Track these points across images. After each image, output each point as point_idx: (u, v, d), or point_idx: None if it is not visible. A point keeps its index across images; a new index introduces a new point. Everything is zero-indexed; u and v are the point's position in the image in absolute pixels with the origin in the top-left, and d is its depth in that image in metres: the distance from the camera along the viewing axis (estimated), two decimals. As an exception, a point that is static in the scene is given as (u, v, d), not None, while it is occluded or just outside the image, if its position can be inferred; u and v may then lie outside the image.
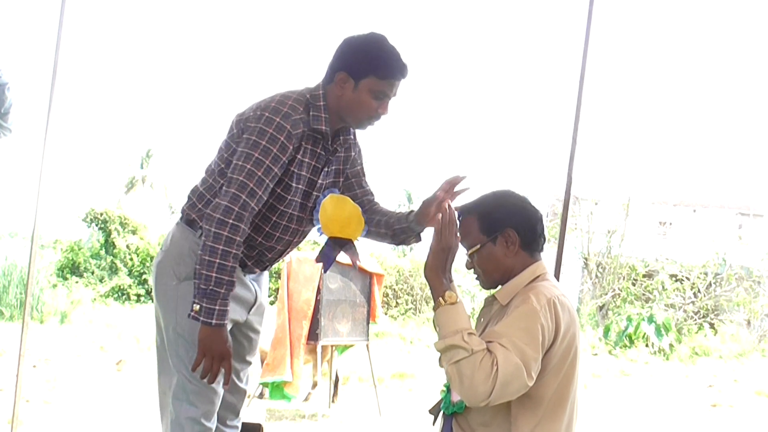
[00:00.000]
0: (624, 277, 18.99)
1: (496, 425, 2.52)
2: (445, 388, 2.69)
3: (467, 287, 15.33)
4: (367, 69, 2.97)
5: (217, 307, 2.88)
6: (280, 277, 7.20)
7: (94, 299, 16.61)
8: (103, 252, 18.15)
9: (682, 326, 17.76)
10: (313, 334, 6.89)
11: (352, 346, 7.63)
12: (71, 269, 17.98)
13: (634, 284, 18.84)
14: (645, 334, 15.75)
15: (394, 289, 18.68)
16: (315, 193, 3.13)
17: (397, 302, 18.62)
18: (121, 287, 17.77)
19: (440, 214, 2.60)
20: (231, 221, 2.87)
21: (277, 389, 7.01)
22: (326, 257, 3.20)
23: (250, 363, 3.33)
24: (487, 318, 2.65)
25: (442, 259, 2.55)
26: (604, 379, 11.99)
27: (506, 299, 2.58)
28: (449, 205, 2.63)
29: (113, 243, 18.19)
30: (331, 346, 7.29)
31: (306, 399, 7.68)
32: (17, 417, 5.38)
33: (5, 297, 13.55)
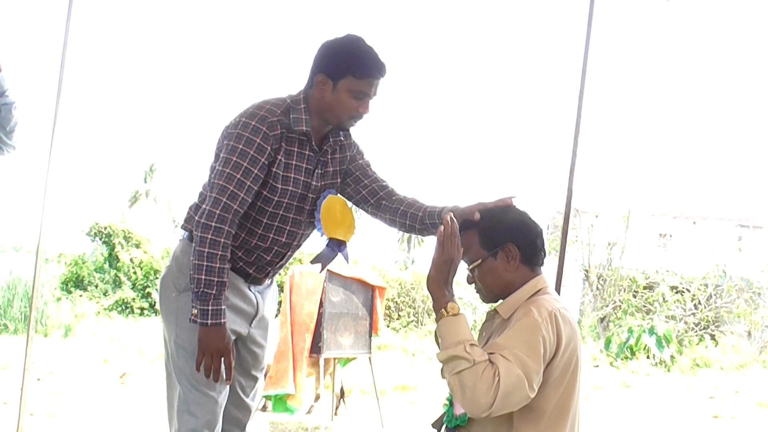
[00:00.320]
0: (625, 289, 18.99)
1: (498, 438, 2.52)
2: (447, 402, 2.70)
3: (468, 300, 15.35)
4: (345, 69, 3.03)
5: (209, 308, 2.97)
6: (282, 291, 7.22)
7: (98, 312, 16.63)
8: (106, 265, 18.15)
9: (683, 338, 17.75)
10: (315, 347, 6.88)
11: (354, 358, 7.61)
12: (75, 283, 18.01)
13: (634, 296, 18.84)
14: (646, 345, 15.73)
15: (396, 302, 18.68)
16: (310, 195, 3.16)
17: (399, 315, 18.62)
18: (125, 300, 17.78)
19: (442, 227, 2.61)
20: (213, 224, 2.96)
21: (280, 402, 6.98)
22: (324, 258, 3.25)
23: (256, 378, 3.35)
24: (489, 331, 2.66)
25: (444, 272, 2.56)
26: (605, 391, 11.98)
27: (508, 313, 2.60)
28: (451, 218, 2.63)
29: (117, 257, 18.20)
30: (334, 359, 7.28)
31: (309, 412, 7.69)
32: (22, 430, 5.40)
33: (10, 310, 13.56)
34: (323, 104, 3.08)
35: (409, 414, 8.65)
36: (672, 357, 15.69)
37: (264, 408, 7.48)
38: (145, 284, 18.13)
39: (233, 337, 3.16)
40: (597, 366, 14.78)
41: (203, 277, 2.95)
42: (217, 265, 2.96)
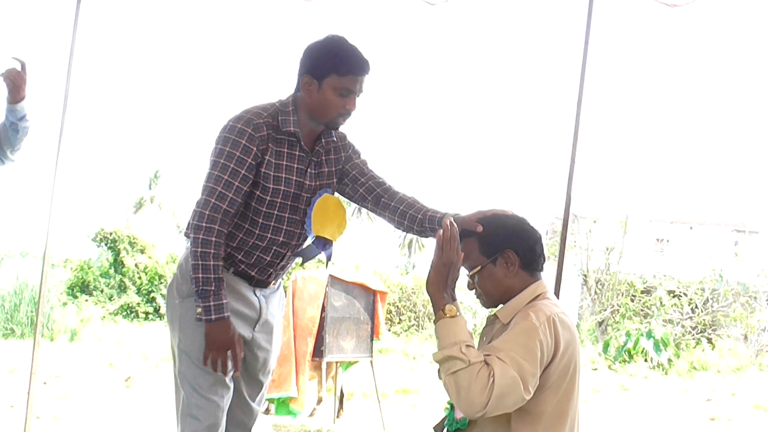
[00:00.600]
0: (623, 294, 18.99)
1: (496, 441, 2.54)
2: (449, 405, 2.72)
3: (469, 304, 15.37)
4: (328, 68, 3.07)
5: (211, 304, 3.03)
6: (285, 295, 7.23)
7: (104, 317, 16.64)
8: (112, 271, 18.16)
9: (680, 341, 17.73)
10: (318, 351, 6.92)
11: (356, 362, 7.62)
12: (81, 288, 18.01)
13: (632, 300, 18.85)
14: (644, 349, 15.70)
15: (398, 306, 18.67)
16: (304, 194, 3.20)
17: (400, 319, 18.61)
18: (130, 305, 17.78)
19: (441, 230, 2.63)
20: (204, 224, 3.03)
21: (282, 405, 7.04)
22: (307, 254, 3.31)
23: (261, 382, 3.36)
24: (489, 336, 2.68)
25: (443, 274, 2.58)
26: (604, 394, 11.98)
27: (507, 318, 2.62)
28: (451, 222, 2.64)
29: (122, 262, 18.19)
30: (336, 363, 7.28)
31: (311, 414, 7.68)
32: None
33: (16, 315, 13.58)
34: (311, 105, 3.13)
35: (410, 417, 8.67)
36: (669, 360, 15.67)
37: (267, 411, 7.44)
38: (150, 289, 18.12)
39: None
40: (595, 369, 14.78)
41: (200, 275, 3.02)
42: (212, 263, 3.03)
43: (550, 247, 17.22)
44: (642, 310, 18.69)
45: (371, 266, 19.46)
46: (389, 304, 17.92)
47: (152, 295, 17.99)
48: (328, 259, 3.30)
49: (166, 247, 19.46)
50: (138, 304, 17.88)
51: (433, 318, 2.59)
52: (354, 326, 7.22)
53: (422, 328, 18.34)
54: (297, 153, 3.18)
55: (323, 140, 3.23)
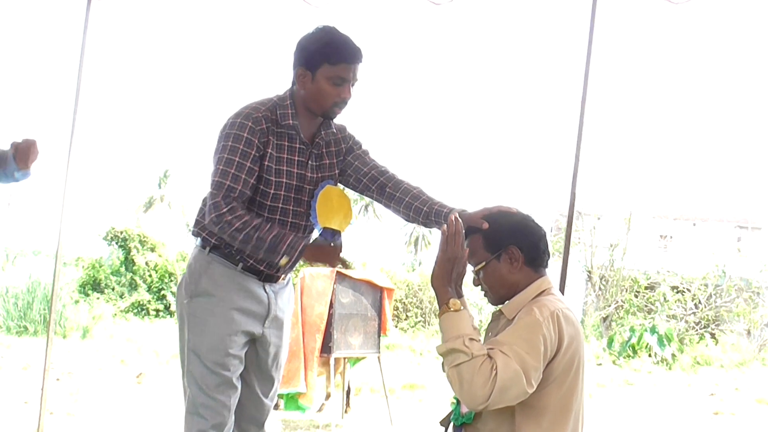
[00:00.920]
0: (626, 289, 18.98)
1: (501, 435, 2.56)
2: (455, 400, 2.71)
3: (474, 300, 15.41)
4: (320, 58, 3.08)
5: (287, 244, 3.06)
6: (294, 291, 7.26)
7: (115, 314, 16.67)
8: (123, 269, 18.24)
9: (684, 336, 17.72)
10: (326, 347, 6.95)
11: (363, 358, 7.64)
12: (93, 286, 18.08)
13: (636, 296, 18.84)
14: (648, 344, 15.70)
15: (404, 303, 18.71)
16: (306, 186, 3.22)
17: (407, 315, 18.65)
18: (141, 303, 17.84)
19: (446, 225, 2.64)
20: (224, 210, 3.02)
21: (291, 400, 7.09)
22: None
23: (273, 378, 3.37)
24: (494, 332, 2.68)
25: (447, 269, 2.58)
26: (608, 389, 11.99)
27: (512, 313, 2.63)
28: (456, 218, 2.65)
29: (133, 260, 18.26)
30: (344, 359, 7.33)
31: (320, 410, 7.71)
32: (42, 429, 5.50)
33: (29, 313, 13.60)
34: (306, 96, 3.14)
35: (417, 412, 8.68)
36: (673, 355, 15.66)
37: (276, 406, 7.48)
38: (160, 287, 18.18)
39: (247, 338, 3.22)
40: (600, 364, 14.78)
41: (252, 244, 3.04)
42: (250, 230, 3.02)
43: (554, 243, 17.27)
44: (646, 306, 18.67)
45: (378, 263, 19.49)
46: (396, 300, 17.90)
47: (162, 292, 18.04)
48: (339, 250, 3.26)
49: (175, 245, 19.44)
50: (149, 301, 17.92)
51: (438, 312, 2.60)
52: (361, 322, 7.25)
53: (429, 325, 18.34)
54: (297, 146, 3.20)
55: (323, 132, 3.25)
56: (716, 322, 18.65)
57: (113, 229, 18.85)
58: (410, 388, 10.25)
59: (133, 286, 18.10)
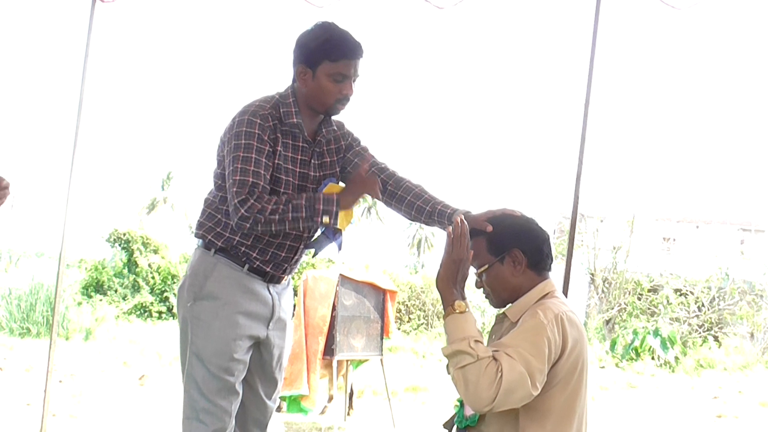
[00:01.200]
0: (630, 292, 18.96)
1: (505, 438, 2.56)
2: (458, 403, 2.72)
3: (477, 302, 15.40)
4: (320, 55, 3.07)
5: (322, 201, 3.04)
6: (296, 294, 7.27)
7: (118, 316, 16.68)
8: (126, 271, 18.26)
9: (687, 339, 17.71)
10: (328, 349, 6.95)
11: (366, 360, 7.64)
12: (95, 287, 18.11)
13: (639, 299, 18.84)
14: (651, 347, 15.67)
15: (407, 305, 18.72)
16: (309, 185, 3.20)
17: (409, 318, 18.66)
18: (144, 305, 17.87)
19: (451, 227, 2.63)
20: (252, 201, 2.97)
21: (294, 403, 7.07)
22: (319, 244, 3.25)
23: (276, 380, 3.36)
24: (498, 334, 2.69)
25: (453, 271, 2.58)
26: (611, 392, 11.97)
27: (516, 316, 2.63)
28: (461, 220, 2.65)
29: (135, 262, 18.29)
30: (347, 361, 7.31)
31: (322, 412, 7.72)
32: (45, 430, 5.50)
33: (32, 315, 13.62)
34: (308, 94, 3.12)
35: (420, 414, 8.68)
36: (676, 358, 15.65)
37: (279, 408, 7.45)
38: (163, 289, 18.20)
39: (251, 342, 3.21)
40: (603, 367, 14.77)
41: (294, 217, 3.01)
42: (288, 206, 3.00)
43: (557, 246, 17.25)
44: (649, 309, 18.67)
45: (381, 265, 19.46)
46: (399, 302, 17.90)
47: (165, 294, 18.04)
48: (339, 248, 3.25)
49: (178, 247, 19.47)
50: (151, 303, 17.95)
51: (443, 314, 2.59)
52: (364, 325, 7.26)
53: (431, 327, 18.35)
54: (300, 144, 3.18)
55: (324, 130, 3.24)
56: (719, 325, 18.65)
57: (116, 230, 18.86)
58: (413, 390, 10.25)
59: (135, 288, 18.12)
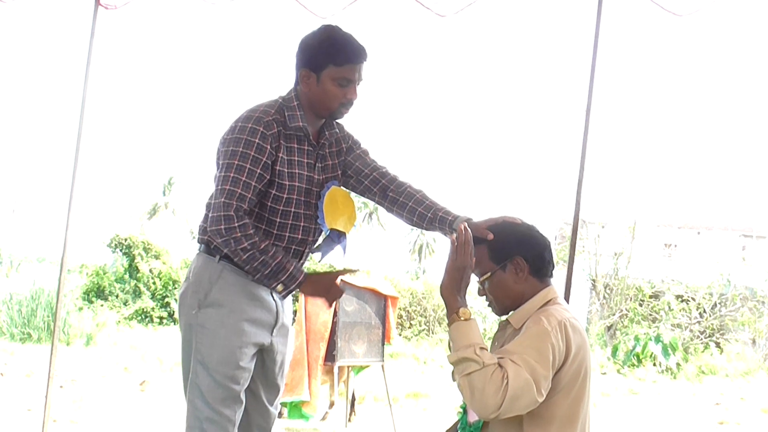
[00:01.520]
0: (631, 298, 18.98)
1: (509, 444, 2.56)
2: (461, 409, 2.73)
3: (479, 309, 15.40)
4: (324, 60, 3.05)
5: (288, 273, 3.04)
6: (297, 300, 7.28)
7: (119, 322, 16.66)
8: (127, 276, 18.22)
9: (689, 345, 17.73)
10: (330, 355, 6.94)
11: (367, 366, 7.62)
12: (96, 293, 18.07)
13: (641, 305, 18.85)
14: (652, 353, 15.70)
15: (408, 311, 18.71)
16: (314, 189, 3.17)
17: (411, 324, 18.65)
18: (145, 310, 17.83)
19: (455, 235, 2.63)
20: (235, 224, 2.97)
21: (295, 408, 7.08)
22: (324, 249, 3.26)
23: (279, 386, 3.34)
24: (501, 341, 2.70)
25: (457, 278, 2.58)
26: (613, 398, 11.98)
27: (519, 323, 2.63)
28: (465, 227, 2.65)
29: (137, 267, 18.24)
30: (348, 367, 7.31)
31: (323, 418, 7.69)
32: None
33: (33, 320, 13.59)
34: (312, 98, 3.10)
35: (421, 420, 8.67)
36: (678, 364, 15.67)
37: (280, 414, 7.45)
38: (164, 294, 18.15)
39: (256, 350, 3.18)
40: (604, 373, 14.77)
41: (257, 264, 3.01)
42: (260, 257, 2.99)
43: (559, 252, 17.28)
44: (650, 315, 18.69)
45: (382, 271, 19.50)
46: (400, 308, 17.89)
47: (166, 300, 18.01)
48: (344, 251, 3.26)
49: (180, 252, 19.43)
50: (152, 309, 17.91)
51: (446, 321, 2.59)
52: (365, 331, 7.25)
53: (433, 333, 18.36)
54: (306, 148, 3.16)
55: (327, 132, 3.23)
56: (721, 331, 18.66)
57: (117, 236, 18.82)
58: (414, 396, 10.24)
59: (137, 294, 18.08)
